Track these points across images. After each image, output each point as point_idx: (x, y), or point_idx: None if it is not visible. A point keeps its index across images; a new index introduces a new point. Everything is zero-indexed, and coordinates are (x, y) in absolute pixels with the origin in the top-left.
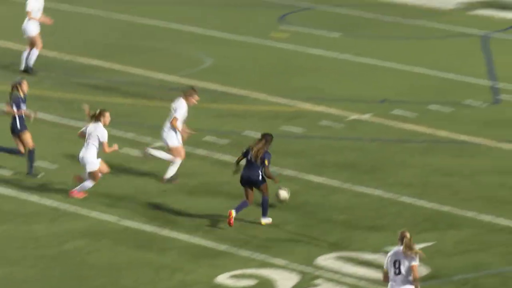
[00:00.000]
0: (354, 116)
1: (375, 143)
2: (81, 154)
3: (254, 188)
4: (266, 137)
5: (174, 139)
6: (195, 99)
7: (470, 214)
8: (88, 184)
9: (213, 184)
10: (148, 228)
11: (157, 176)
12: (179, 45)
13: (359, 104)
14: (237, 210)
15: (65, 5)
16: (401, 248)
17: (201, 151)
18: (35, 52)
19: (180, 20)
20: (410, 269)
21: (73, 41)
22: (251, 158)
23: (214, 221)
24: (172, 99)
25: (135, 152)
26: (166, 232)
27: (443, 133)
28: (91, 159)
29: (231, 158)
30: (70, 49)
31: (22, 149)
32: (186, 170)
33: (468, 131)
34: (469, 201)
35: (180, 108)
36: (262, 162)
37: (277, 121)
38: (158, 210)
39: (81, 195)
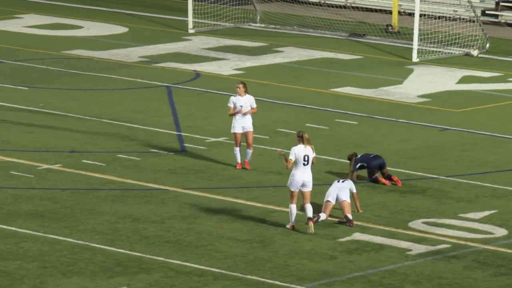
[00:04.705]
0: (45, 166)
1: (66, 191)
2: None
3: None
4: None
5: None
6: None
7: (159, 258)
8: None
9: None
10: None
11: None
12: None
13: (48, 155)
14: None
15: None
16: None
17: None
18: None
19: None
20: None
21: None
22: None
23: None
24: None
25: None
26: None
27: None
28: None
29: None
30: None
31: None
32: None
33: (155, 178)
34: (158, 245)
35: None
36: None
37: None
38: None
39: None
